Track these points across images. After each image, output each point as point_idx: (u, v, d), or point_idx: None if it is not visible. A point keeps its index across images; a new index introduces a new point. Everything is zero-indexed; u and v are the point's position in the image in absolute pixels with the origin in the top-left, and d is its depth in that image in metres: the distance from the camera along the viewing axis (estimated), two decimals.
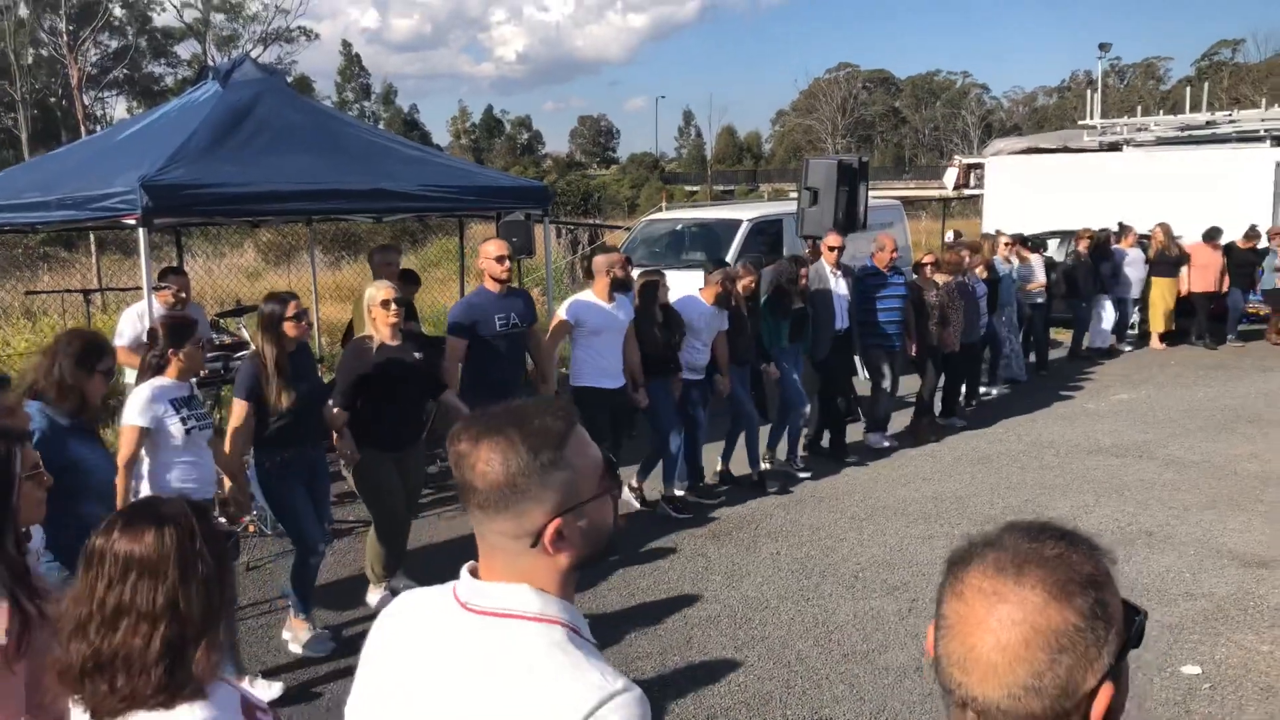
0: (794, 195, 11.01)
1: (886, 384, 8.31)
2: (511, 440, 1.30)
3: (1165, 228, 12.59)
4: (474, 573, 1.38)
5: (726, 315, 6.96)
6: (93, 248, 14.32)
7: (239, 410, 4.61)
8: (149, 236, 5.69)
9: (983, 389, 10.18)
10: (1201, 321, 12.80)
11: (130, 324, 6.14)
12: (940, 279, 8.75)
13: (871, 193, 10.71)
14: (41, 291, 11.17)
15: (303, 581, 4.83)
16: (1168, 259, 12.50)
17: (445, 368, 5.69)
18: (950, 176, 18.99)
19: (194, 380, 4.36)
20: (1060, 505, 6.72)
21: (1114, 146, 16.55)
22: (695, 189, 65.36)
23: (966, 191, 19.65)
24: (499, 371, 5.76)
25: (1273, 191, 13.69)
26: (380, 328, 5.07)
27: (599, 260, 6.44)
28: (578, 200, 42.99)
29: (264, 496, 4.92)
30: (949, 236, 12.18)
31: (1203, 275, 12.60)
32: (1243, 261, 12.73)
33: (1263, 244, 12.66)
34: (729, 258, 10.18)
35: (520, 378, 6.00)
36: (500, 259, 5.77)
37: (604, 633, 4.95)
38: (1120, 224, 12.63)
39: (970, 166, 18.59)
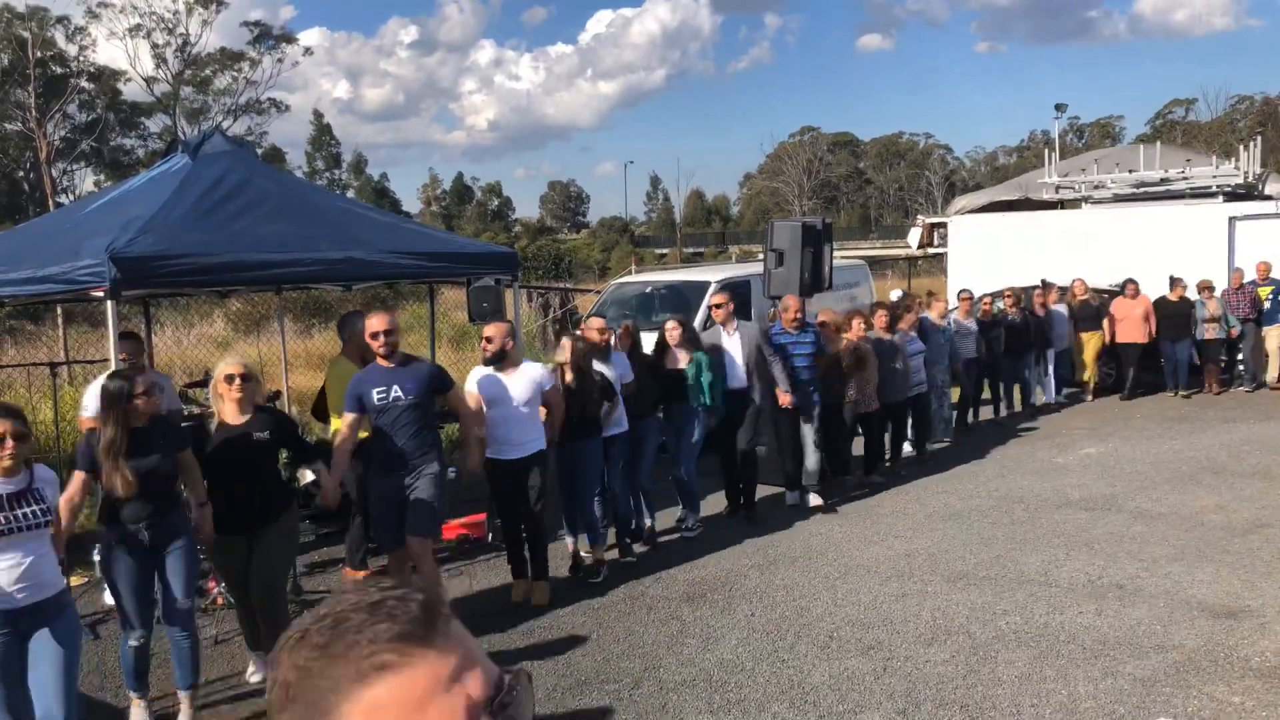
0: (762, 256, 11.17)
1: (809, 441, 8.26)
2: (294, 643, 0.86)
3: (1082, 282, 12.96)
4: None
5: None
6: (59, 320, 14.24)
7: (74, 482, 4.52)
8: (117, 308, 5.68)
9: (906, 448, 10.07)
10: (1126, 373, 13.11)
11: (95, 397, 6.09)
12: (847, 336, 8.90)
13: (838, 253, 10.90)
14: (8, 365, 11.06)
15: (124, 661, 4.68)
16: (1088, 312, 12.80)
17: (337, 444, 5.74)
18: (914, 236, 19.24)
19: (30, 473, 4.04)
20: (1031, 560, 6.76)
21: (1073, 203, 16.95)
22: (665, 251, 66.04)
23: (931, 250, 19.94)
24: (391, 445, 5.65)
25: (1227, 246, 14.03)
26: (226, 404, 4.99)
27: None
28: (549, 264, 43.29)
29: (100, 571, 4.86)
30: (895, 294, 12.36)
31: (1123, 328, 12.92)
32: (1173, 313, 12.96)
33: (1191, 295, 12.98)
34: (698, 320, 10.29)
35: (422, 450, 5.70)
36: (375, 335, 5.62)
37: (579, 699, 4.91)
38: (1043, 281, 12.91)
39: (934, 225, 18.87)
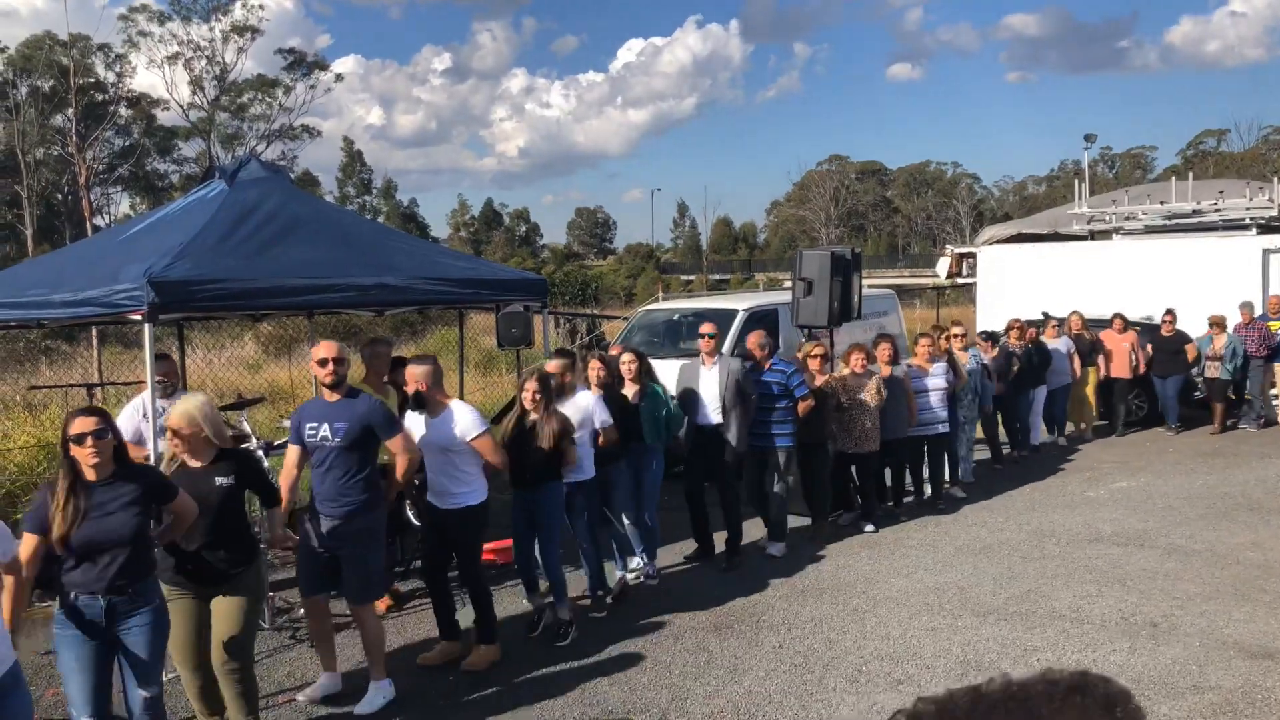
0: (788, 284, 11.16)
1: (778, 487, 7.81)
2: None
3: (1079, 316, 12.74)
4: None
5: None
6: (94, 341, 14.44)
7: (24, 545, 3.86)
8: (154, 331, 5.76)
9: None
10: (1119, 409, 13.01)
11: (129, 419, 6.16)
12: (837, 374, 8.52)
13: (866, 281, 10.86)
14: (45, 386, 11.23)
15: None
16: (1082, 346, 12.60)
17: (279, 479, 5.33)
18: (943, 266, 19.15)
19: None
20: (1063, 596, 6.67)
21: (1104, 234, 16.84)
22: (690, 278, 66.22)
23: (960, 280, 19.85)
24: (317, 487, 5.21)
25: (1261, 279, 13.88)
26: (189, 448, 4.54)
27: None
28: (575, 290, 43.52)
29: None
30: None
31: (1112, 363, 12.76)
32: (1167, 348, 12.78)
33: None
34: (726, 348, 10.28)
35: (348, 500, 5.15)
36: (322, 362, 5.19)
37: None
38: (1045, 314, 12.75)
39: (963, 255, 18.79)
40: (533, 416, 6.06)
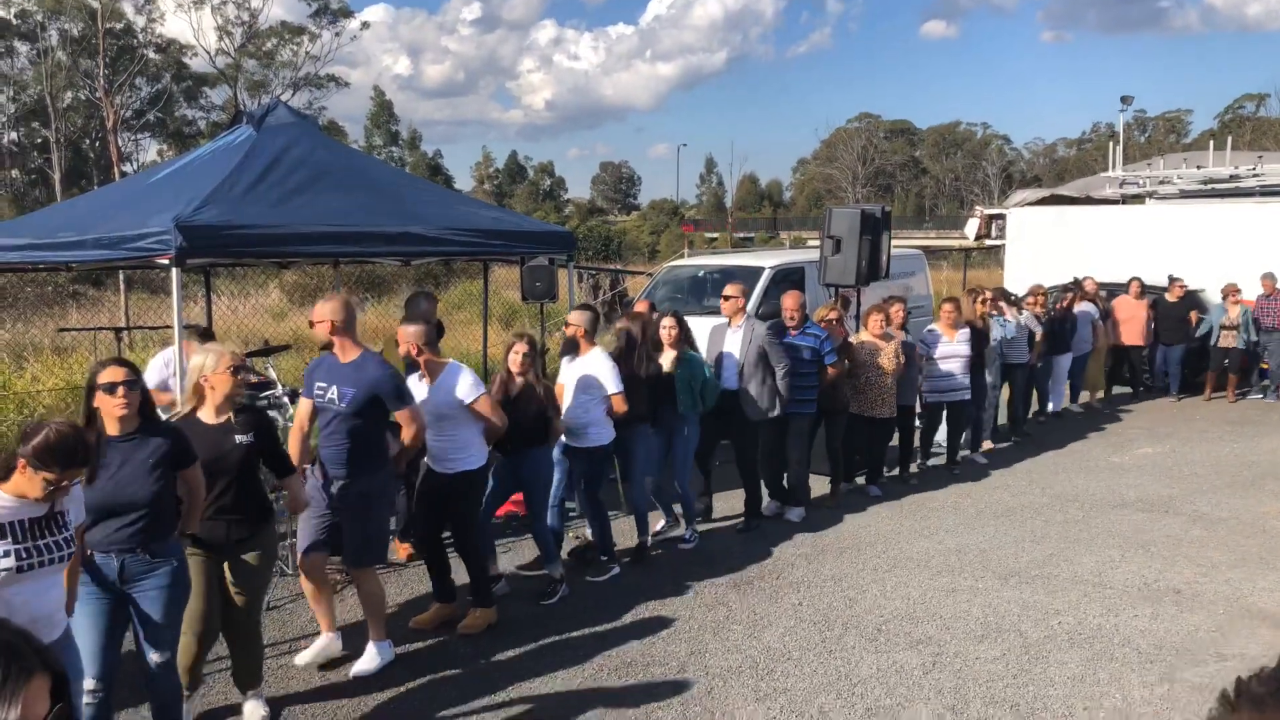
0: (814, 243, 11.05)
1: (790, 453, 7.69)
2: None
3: (1092, 280, 12.52)
4: None
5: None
6: (121, 286, 14.56)
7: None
8: (181, 276, 5.76)
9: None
10: (1135, 375, 13.01)
11: (156, 372, 6.19)
12: (862, 337, 8.33)
13: (893, 242, 10.73)
14: (74, 329, 11.32)
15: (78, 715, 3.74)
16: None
17: (291, 433, 5.16)
18: (972, 227, 18.93)
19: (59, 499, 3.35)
20: (1085, 560, 6.65)
21: (1136, 199, 16.58)
22: (714, 235, 65.93)
23: (988, 242, 19.63)
24: (322, 448, 5.04)
25: None
26: (215, 396, 4.33)
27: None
28: (599, 245, 43.42)
29: None
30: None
31: (1127, 329, 12.60)
32: (1172, 315, 12.63)
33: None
34: (751, 306, 10.22)
35: (349, 466, 4.97)
36: (313, 324, 5.02)
37: (624, 679, 4.91)
38: (1075, 279, 12.56)
39: (992, 217, 18.56)
40: (519, 381, 5.86)
